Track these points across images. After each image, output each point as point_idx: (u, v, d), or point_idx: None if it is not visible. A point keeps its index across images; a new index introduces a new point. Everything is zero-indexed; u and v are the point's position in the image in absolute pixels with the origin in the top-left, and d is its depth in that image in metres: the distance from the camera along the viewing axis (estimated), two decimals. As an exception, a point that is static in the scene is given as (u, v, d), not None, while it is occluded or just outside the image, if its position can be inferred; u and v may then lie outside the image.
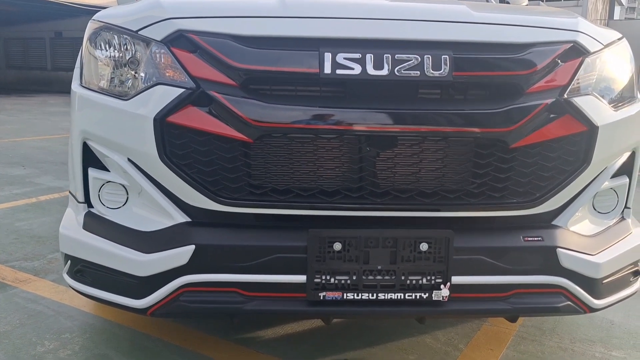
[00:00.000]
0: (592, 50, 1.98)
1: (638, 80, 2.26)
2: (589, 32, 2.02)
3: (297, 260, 1.87)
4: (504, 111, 1.86)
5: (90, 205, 2.14)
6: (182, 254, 1.89)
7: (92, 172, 2.09)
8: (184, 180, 1.89)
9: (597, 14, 18.27)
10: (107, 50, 2.02)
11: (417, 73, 1.81)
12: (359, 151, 1.88)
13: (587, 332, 2.59)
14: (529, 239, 1.97)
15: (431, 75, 1.81)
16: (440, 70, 1.82)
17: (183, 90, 1.84)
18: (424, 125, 1.84)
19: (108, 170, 2.07)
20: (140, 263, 1.94)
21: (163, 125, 1.86)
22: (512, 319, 2.18)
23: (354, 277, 1.89)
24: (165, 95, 1.86)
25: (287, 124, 1.82)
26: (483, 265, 1.93)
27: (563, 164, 1.96)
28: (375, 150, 1.87)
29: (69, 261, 2.14)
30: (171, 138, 1.87)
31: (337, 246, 1.87)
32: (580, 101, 1.93)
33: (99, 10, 2.27)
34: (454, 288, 1.93)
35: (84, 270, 2.10)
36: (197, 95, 1.83)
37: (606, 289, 2.09)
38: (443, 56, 1.82)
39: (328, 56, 1.79)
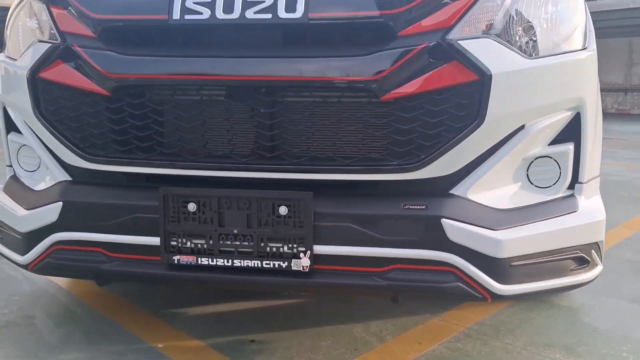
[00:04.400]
0: (493, -15, 1.67)
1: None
2: (495, -39, 1.70)
3: (153, 221, 1.79)
4: (370, 57, 1.64)
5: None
6: (52, 211, 1.90)
7: (11, 136, 2.17)
8: (55, 137, 1.89)
9: None
10: (19, 18, 2.09)
11: (268, 16, 1.65)
12: (214, 104, 1.76)
13: (553, 336, 2.18)
14: (409, 206, 1.70)
15: (284, 17, 1.65)
16: (294, 12, 1.64)
17: (50, 45, 1.85)
18: (280, 74, 1.68)
19: (22, 134, 2.13)
20: (20, 218, 1.97)
21: (35, 80, 1.88)
22: (394, 299, 1.88)
23: (210, 241, 1.76)
24: (37, 51, 1.88)
25: (138, 74, 1.75)
26: (352, 234, 1.70)
27: (451, 120, 1.67)
28: (230, 103, 1.75)
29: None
30: (43, 94, 1.89)
31: (192, 207, 1.76)
32: (468, 45, 1.63)
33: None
34: (319, 259, 1.72)
35: (-2, 229, 2.18)
36: (63, 50, 1.83)
37: (519, 273, 1.74)
38: None
39: (177, 1, 1.70)
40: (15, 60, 1.98)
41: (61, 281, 2.78)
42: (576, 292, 2.58)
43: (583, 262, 1.85)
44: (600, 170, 2.00)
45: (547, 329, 2.24)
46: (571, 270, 1.84)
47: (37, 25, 1.94)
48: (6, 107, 2.14)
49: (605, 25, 16.02)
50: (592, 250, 1.87)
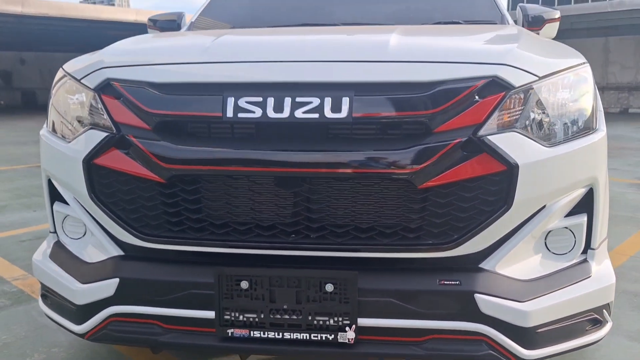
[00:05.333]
0: (517, 85, 1.85)
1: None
2: (518, 64, 1.89)
3: (207, 296, 1.94)
4: (409, 151, 1.81)
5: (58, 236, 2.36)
6: (108, 286, 2.03)
7: (56, 206, 2.30)
8: (110, 217, 2.03)
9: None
10: (61, 96, 2.23)
11: (316, 115, 1.81)
12: (263, 192, 1.91)
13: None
14: (445, 282, 1.88)
15: (330, 117, 1.81)
16: (340, 112, 1.80)
17: (107, 134, 1.99)
18: (326, 166, 1.83)
19: (68, 204, 2.26)
20: (76, 292, 2.10)
21: (90, 166, 2.01)
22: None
23: (262, 316, 1.93)
24: (93, 139, 2.01)
25: (193, 165, 1.90)
26: (394, 308, 1.88)
27: (482, 205, 1.85)
28: (279, 191, 1.90)
29: (40, 285, 2.37)
30: (98, 178, 2.02)
31: (244, 284, 1.92)
32: (496, 139, 1.81)
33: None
34: (363, 330, 1.89)
35: (46, 295, 2.32)
36: (118, 139, 1.97)
37: (543, 339, 1.93)
38: (343, 98, 1.81)
39: (230, 100, 1.85)
40: (68, 142, 2.11)
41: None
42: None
43: (596, 323, 2.05)
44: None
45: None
46: (586, 330, 2.04)
47: (88, 112, 2.07)
48: (51, 179, 2.28)
49: (585, 27, 16.48)
50: (604, 310, 2.08)
